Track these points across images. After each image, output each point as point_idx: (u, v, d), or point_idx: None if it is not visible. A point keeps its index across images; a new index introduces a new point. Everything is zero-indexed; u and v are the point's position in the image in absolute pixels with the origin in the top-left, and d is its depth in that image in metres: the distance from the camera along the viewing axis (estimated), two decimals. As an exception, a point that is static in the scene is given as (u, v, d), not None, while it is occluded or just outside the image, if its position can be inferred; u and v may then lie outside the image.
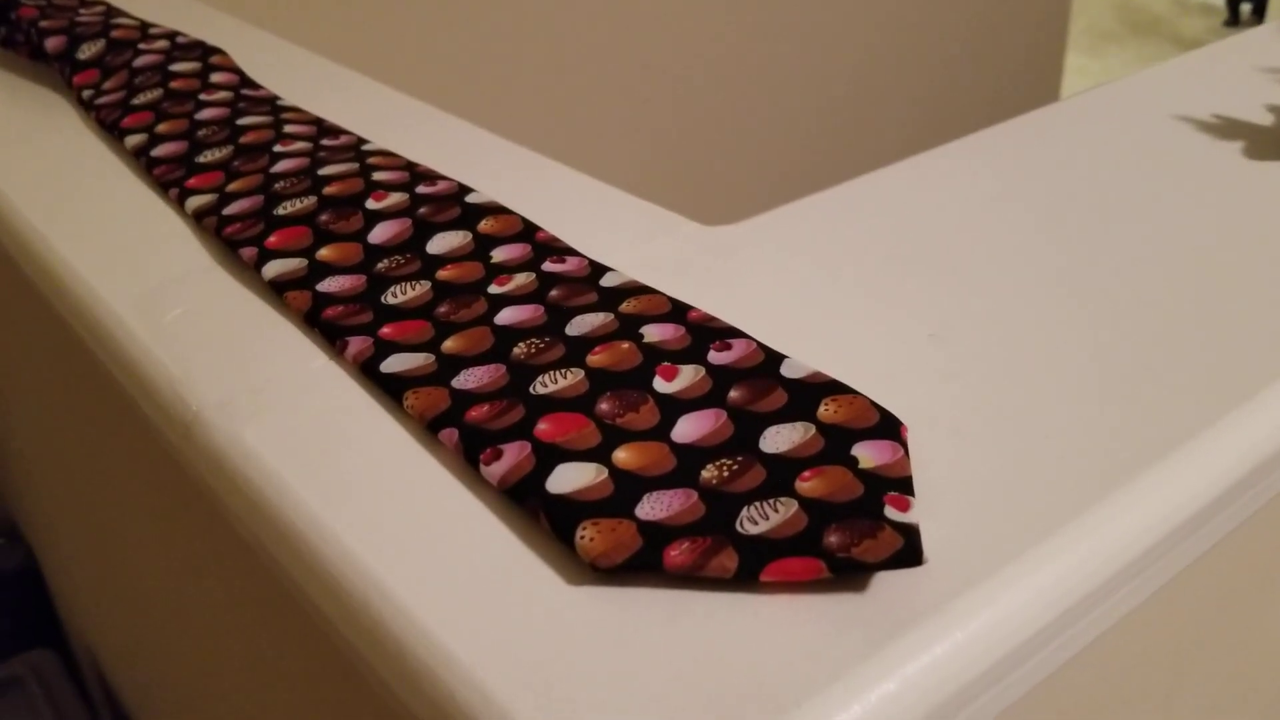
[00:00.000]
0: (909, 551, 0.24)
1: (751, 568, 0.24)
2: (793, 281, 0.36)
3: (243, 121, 0.47)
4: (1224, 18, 3.93)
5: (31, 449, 0.76)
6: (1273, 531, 0.33)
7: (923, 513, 0.26)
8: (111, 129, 0.49)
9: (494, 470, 0.27)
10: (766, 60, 1.39)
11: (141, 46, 0.55)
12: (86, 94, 0.52)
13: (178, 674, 0.57)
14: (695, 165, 1.38)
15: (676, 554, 0.25)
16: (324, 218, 0.39)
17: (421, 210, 0.39)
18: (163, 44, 0.55)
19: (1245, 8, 3.92)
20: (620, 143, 1.29)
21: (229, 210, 0.40)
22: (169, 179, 0.44)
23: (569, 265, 0.36)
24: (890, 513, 0.25)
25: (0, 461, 0.98)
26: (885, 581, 0.25)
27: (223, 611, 0.41)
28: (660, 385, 0.30)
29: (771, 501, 0.26)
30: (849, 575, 0.24)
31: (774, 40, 1.39)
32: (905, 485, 0.26)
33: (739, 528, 0.25)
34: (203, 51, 0.54)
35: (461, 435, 0.29)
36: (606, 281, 0.35)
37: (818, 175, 1.42)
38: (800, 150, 1.48)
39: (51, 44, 0.55)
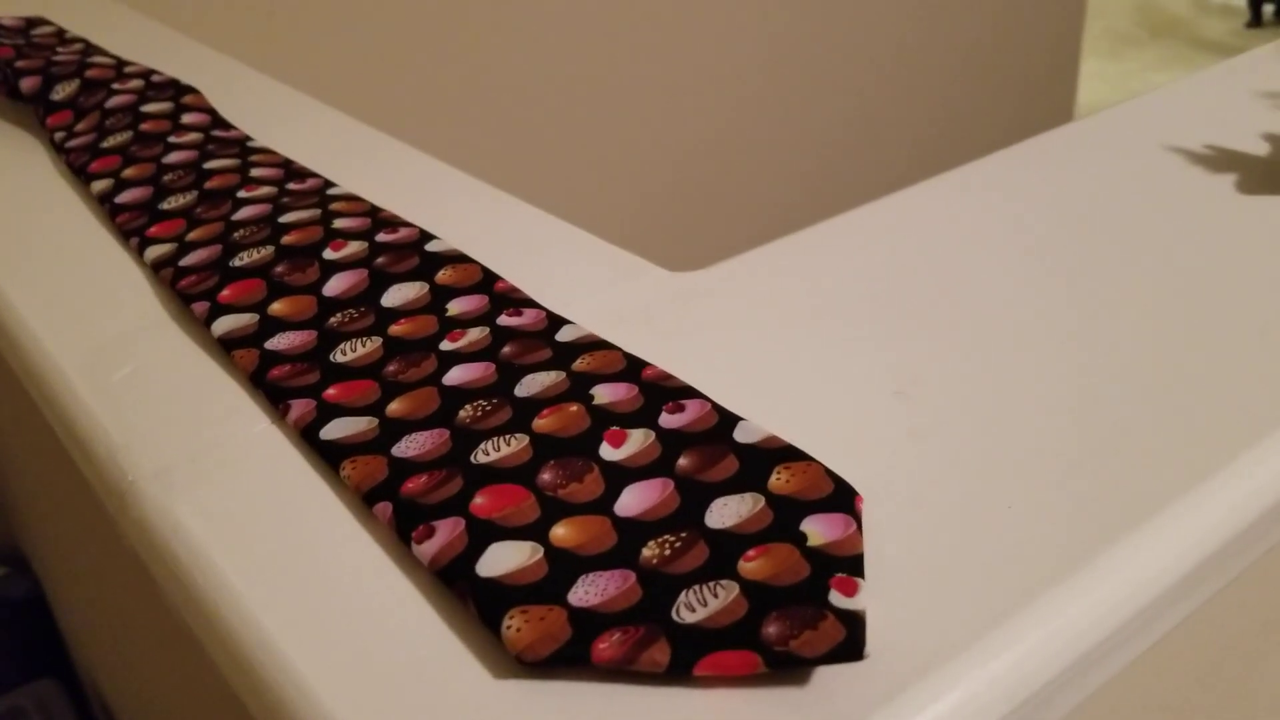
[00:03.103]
0: (850, 645, 0.23)
1: (685, 661, 0.23)
2: (758, 333, 0.35)
3: (210, 165, 0.47)
4: (1245, 19, 3.88)
5: (30, 479, 0.76)
6: (1251, 602, 0.31)
7: (873, 592, 0.25)
8: (79, 173, 0.48)
9: (425, 550, 0.26)
10: (759, 81, 1.37)
11: (115, 86, 0.54)
12: (58, 136, 0.51)
13: (173, 709, 0.56)
14: (685, 195, 1.36)
15: (606, 647, 0.23)
16: (279, 269, 0.38)
17: (379, 260, 0.38)
18: (137, 83, 0.54)
19: (1268, 9, 3.86)
20: (599, 180, 1.27)
21: (186, 261, 0.39)
22: (131, 227, 0.43)
23: (525, 318, 0.35)
24: (835, 598, 0.24)
25: (7, 490, 0.98)
26: (828, 673, 0.23)
27: (187, 661, 0.40)
28: (607, 452, 0.29)
29: (712, 585, 0.25)
30: (787, 669, 0.23)
31: (769, 60, 1.37)
32: (855, 565, 0.25)
33: (675, 615, 0.24)
34: (175, 91, 0.54)
35: (396, 510, 0.27)
36: (562, 336, 0.34)
37: (818, 201, 1.41)
38: (801, 173, 1.46)
39: (26, 85, 0.55)
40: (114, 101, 0.53)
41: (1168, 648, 0.28)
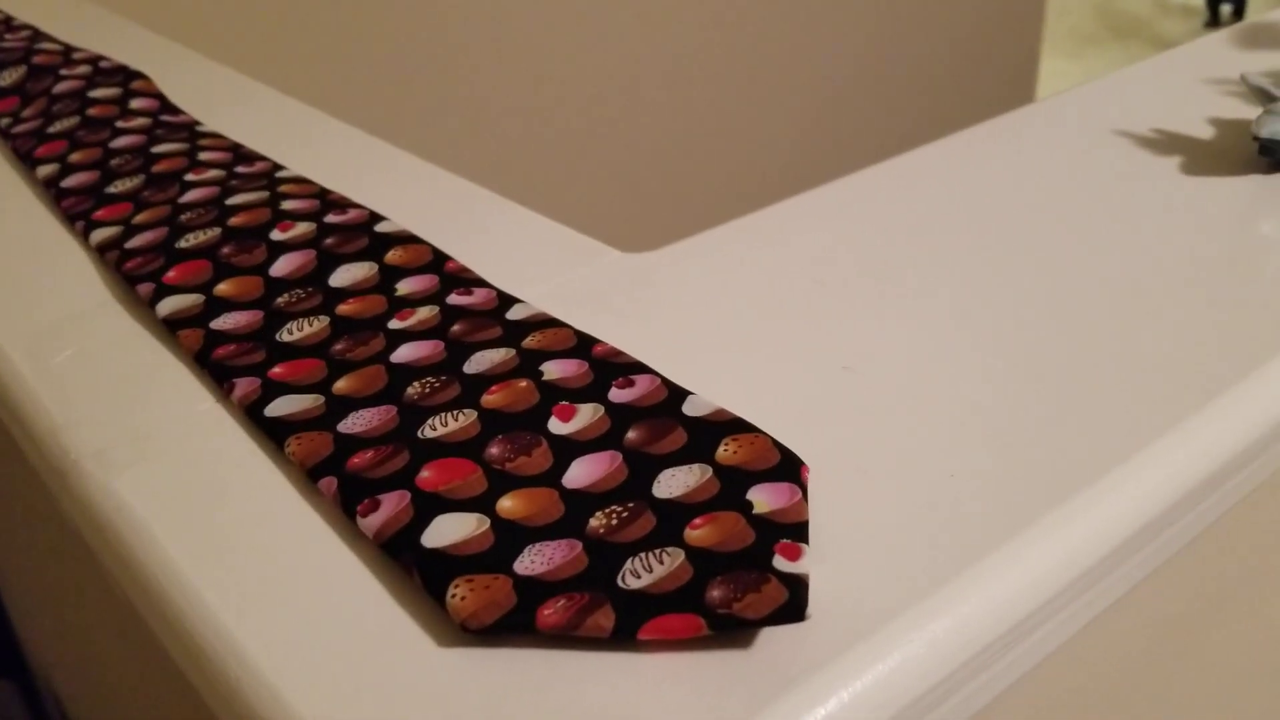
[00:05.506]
0: (792, 607, 0.23)
1: (629, 626, 0.23)
2: (710, 311, 0.35)
3: (158, 149, 0.46)
4: (1204, 19, 3.93)
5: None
6: (1194, 574, 0.32)
7: (817, 559, 0.25)
8: (25, 159, 0.47)
9: (370, 523, 0.26)
10: (717, 62, 1.37)
11: (63, 72, 0.53)
12: (3, 123, 0.51)
13: (129, 707, 0.55)
14: (638, 176, 1.36)
15: (550, 613, 0.23)
16: (226, 250, 0.38)
17: (328, 241, 0.38)
18: (85, 69, 0.54)
19: (1225, 9, 3.91)
20: (552, 162, 1.26)
21: (132, 244, 0.39)
22: (77, 211, 0.42)
23: (476, 297, 0.35)
24: (779, 563, 0.24)
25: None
26: (772, 636, 0.23)
27: (141, 652, 0.39)
28: (556, 426, 0.29)
29: (658, 552, 0.25)
30: (730, 632, 0.23)
31: (727, 43, 1.37)
32: (799, 531, 0.25)
33: (621, 582, 0.24)
34: (124, 77, 0.53)
35: (340, 485, 0.27)
36: (513, 314, 0.34)
37: (771, 185, 1.41)
38: (755, 157, 1.46)
39: (-29, 71, 0.54)
40: (61, 87, 0.52)
41: (1113, 618, 0.28)
